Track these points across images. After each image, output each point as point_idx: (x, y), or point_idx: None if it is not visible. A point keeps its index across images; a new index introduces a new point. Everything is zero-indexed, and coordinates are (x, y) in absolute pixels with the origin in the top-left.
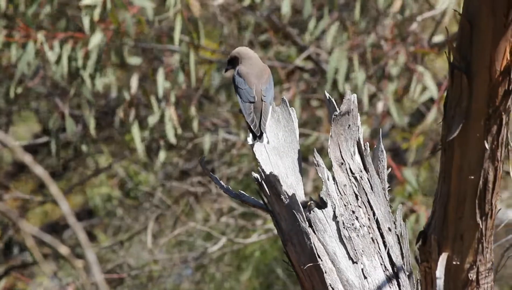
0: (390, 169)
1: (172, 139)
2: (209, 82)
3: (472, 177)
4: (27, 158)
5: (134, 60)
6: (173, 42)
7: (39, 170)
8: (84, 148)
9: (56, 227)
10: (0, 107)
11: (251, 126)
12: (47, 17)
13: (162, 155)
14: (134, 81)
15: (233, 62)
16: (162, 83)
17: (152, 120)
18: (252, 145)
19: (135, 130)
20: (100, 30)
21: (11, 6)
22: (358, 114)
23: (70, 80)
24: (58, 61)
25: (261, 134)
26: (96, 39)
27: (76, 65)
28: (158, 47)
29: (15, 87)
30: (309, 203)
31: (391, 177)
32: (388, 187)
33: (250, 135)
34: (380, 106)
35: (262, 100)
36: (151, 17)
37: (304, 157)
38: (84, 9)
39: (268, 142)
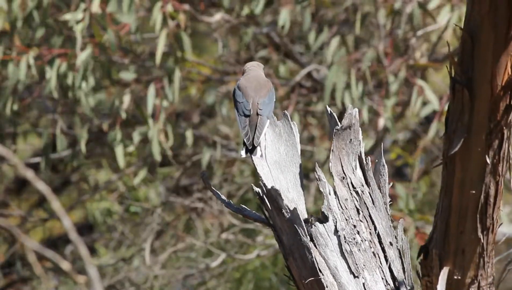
0: (391, 184)
1: (157, 157)
2: (199, 98)
3: (474, 192)
4: (29, 174)
5: (127, 76)
6: (167, 58)
7: (41, 186)
8: (75, 163)
9: (57, 242)
10: (2, 125)
11: (245, 139)
12: (41, 33)
13: (142, 173)
14: (126, 98)
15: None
16: (152, 100)
17: (140, 133)
18: (251, 158)
19: (119, 148)
20: (90, 46)
21: (8, 25)
22: (360, 128)
23: (63, 97)
24: (49, 78)
25: (254, 147)
26: (85, 55)
27: (66, 82)
28: (145, 64)
29: (12, 104)
30: (310, 219)
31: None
32: (390, 201)
33: (244, 148)
34: (381, 122)
35: (257, 114)
36: (134, 31)
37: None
38: (69, 23)
39: (261, 156)
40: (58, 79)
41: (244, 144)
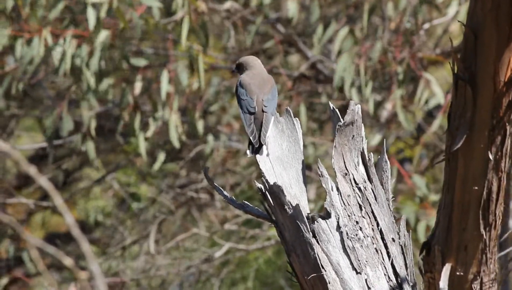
0: (394, 180)
1: (176, 143)
2: (203, 88)
3: (476, 188)
4: (32, 170)
5: (139, 62)
6: (179, 46)
7: (43, 182)
8: (83, 148)
9: (62, 238)
10: (4, 115)
11: (251, 138)
12: (55, 13)
13: (161, 156)
14: (138, 83)
15: (239, 68)
16: (165, 86)
17: (157, 118)
18: (254, 157)
19: (139, 132)
20: (106, 29)
21: (20, 1)
22: (362, 124)
23: (74, 79)
24: (63, 58)
25: (260, 146)
26: (102, 37)
27: (80, 63)
28: (162, 51)
29: (17, 84)
30: (312, 215)
31: (396, 186)
32: (392, 197)
33: (249, 146)
34: (384, 115)
35: (263, 111)
36: (158, 17)
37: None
38: (90, 6)
39: (267, 155)
40: (71, 61)
41: (250, 142)
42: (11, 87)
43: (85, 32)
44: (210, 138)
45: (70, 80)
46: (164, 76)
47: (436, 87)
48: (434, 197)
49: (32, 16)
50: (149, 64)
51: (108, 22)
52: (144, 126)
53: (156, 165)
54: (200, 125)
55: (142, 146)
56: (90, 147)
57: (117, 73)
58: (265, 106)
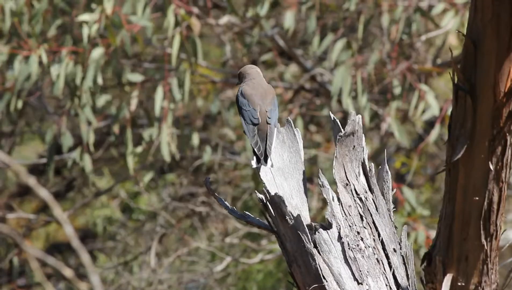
0: (395, 190)
1: (167, 158)
2: (204, 102)
3: (477, 198)
4: (31, 181)
5: (135, 77)
6: (176, 61)
7: (43, 193)
8: (81, 164)
9: (62, 248)
10: (4, 129)
11: (255, 149)
12: (53, 31)
13: (147, 177)
14: (134, 98)
15: (240, 78)
16: (159, 102)
17: (147, 134)
18: (258, 169)
19: (129, 144)
20: (101, 46)
21: (16, 19)
22: (363, 135)
23: (71, 96)
24: (59, 76)
25: (266, 157)
26: (96, 54)
27: (74, 81)
28: (154, 66)
29: (16, 101)
30: (314, 225)
31: (395, 199)
32: (393, 208)
33: (254, 158)
34: (384, 127)
35: (267, 122)
36: (150, 35)
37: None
38: (82, 24)
39: (272, 166)
40: (65, 77)
41: (255, 154)
42: (10, 103)
43: (81, 49)
44: (207, 151)
45: (68, 96)
46: (159, 93)
47: (432, 99)
48: (424, 212)
49: (31, 34)
50: (146, 78)
51: (104, 40)
52: (139, 140)
53: (142, 183)
54: (196, 139)
55: (130, 162)
56: (87, 162)
57: (114, 88)
58: (269, 118)
